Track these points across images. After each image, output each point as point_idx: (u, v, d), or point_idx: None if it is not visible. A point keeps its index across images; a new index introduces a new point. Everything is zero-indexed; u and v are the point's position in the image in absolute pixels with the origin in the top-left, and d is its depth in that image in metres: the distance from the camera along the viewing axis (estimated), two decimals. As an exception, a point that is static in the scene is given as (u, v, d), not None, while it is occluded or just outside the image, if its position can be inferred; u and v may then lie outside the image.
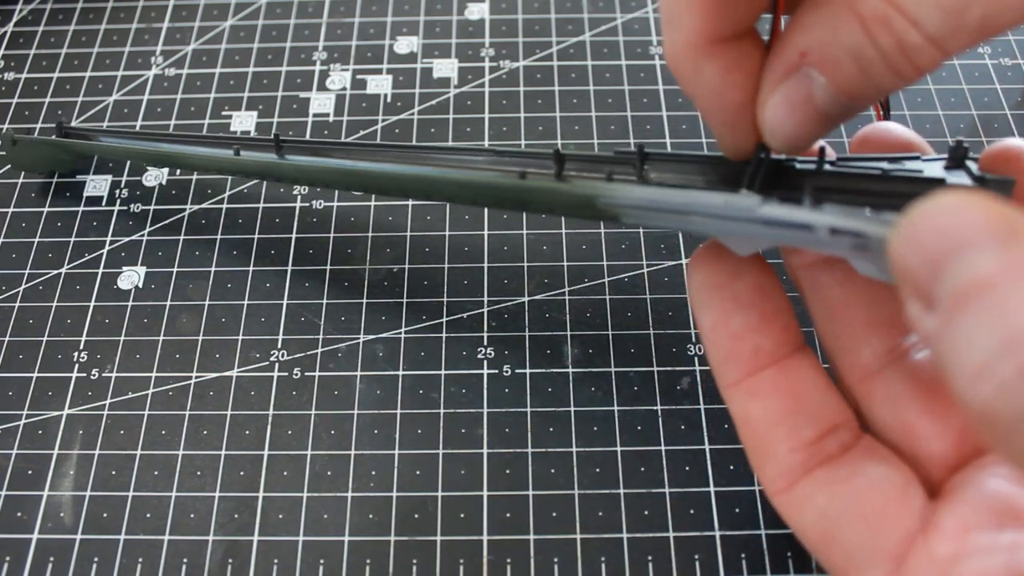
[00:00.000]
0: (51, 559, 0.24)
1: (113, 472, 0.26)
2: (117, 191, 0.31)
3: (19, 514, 0.25)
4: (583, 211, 0.21)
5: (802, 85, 0.17)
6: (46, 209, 0.31)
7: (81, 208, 0.31)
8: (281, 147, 0.26)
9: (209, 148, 0.28)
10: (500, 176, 0.22)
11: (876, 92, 0.17)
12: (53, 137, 0.30)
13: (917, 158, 0.19)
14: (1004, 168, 0.18)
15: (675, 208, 0.19)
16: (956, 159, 0.18)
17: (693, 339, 0.27)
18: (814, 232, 0.17)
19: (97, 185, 0.31)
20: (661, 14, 0.19)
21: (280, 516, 0.25)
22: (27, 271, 0.29)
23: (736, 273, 0.19)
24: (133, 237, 0.30)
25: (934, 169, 0.18)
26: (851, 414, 0.20)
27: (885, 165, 0.18)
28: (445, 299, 0.28)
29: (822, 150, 0.19)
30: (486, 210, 0.30)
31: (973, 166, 0.18)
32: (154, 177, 0.32)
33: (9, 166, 0.32)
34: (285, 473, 0.25)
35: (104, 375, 0.27)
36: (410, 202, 0.30)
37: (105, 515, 0.25)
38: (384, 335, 0.28)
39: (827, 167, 0.19)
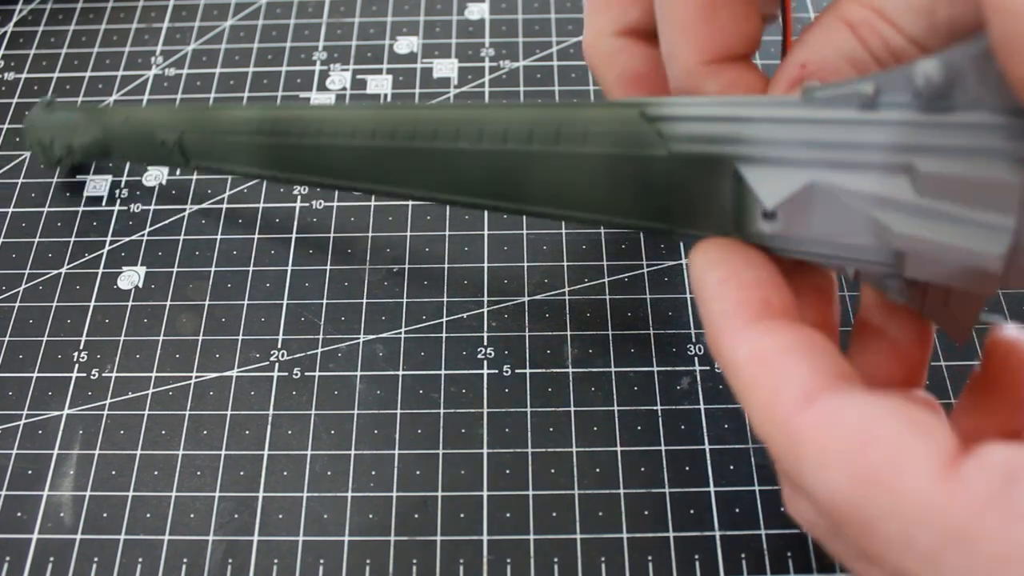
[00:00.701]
0: (51, 559, 0.24)
1: (113, 472, 0.26)
2: (117, 191, 0.31)
3: (19, 514, 0.25)
4: (623, 152, 0.19)
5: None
6: (46, 209, 0.31)
7: (81, 208, 0.31)
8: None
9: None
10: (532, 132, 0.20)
11: None
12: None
13: None
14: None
15: (733, 117, 0.17)
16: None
17: (693, 339, 0.27)
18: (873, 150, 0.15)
19: (97, 185, 0.31)
20: (662, 47, 0.20)
21: (280, 516, 0.25)
22: (27, 271, 0.29)
23: (747, 248, 0.19)
24: (133, 237, 0.30)
25: None
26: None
27: None
28: (445, 299, 0.28)
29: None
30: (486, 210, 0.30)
31: None
32: (154, 177, 0.32)
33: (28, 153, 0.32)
34: (285, 473, 0.25)
35: (104, 375, 0.27)
36: (410, 203, 0.30)
37: (105, 515, 0.25)
38: (384, 335, 0.28)
39: None
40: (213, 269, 0.29)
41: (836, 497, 0.15)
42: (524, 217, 0.30)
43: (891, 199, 0.15)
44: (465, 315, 0.28)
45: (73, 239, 0.30)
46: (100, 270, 0.29)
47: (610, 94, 0.23)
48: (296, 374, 0.27)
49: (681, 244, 0.29)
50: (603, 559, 0.24)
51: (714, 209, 0.19)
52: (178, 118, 0.27)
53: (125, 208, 0.31)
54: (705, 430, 0.26)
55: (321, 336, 0.28)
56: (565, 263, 0.29)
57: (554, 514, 0.24)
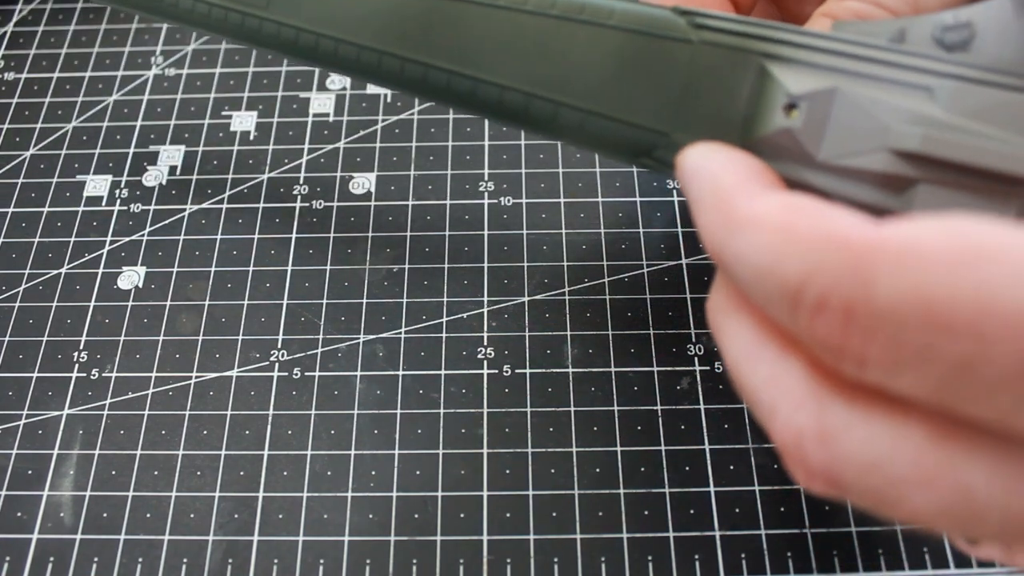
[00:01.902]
0: (51, 559, 0.24)
1: (113, 472, 0.26)
2: (117, 191, 0.31)
3: (19, 514, 0.25)
4: (648, 23, 0.18)
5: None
6: (46, 209, 0.31)
7: (81, 208, 0.31)
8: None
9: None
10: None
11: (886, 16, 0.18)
12: None
13: None
14: None
15: (766, 24, 0.17)
16: None
17: (693, 339, 0.27)
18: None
19: (97, 185, 0.31)
20: None
21: (280, 516, 0.25)
22: (27, 271, 0.29)
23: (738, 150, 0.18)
24: (133, 237, 0.30)
25: None
26: None
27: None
28: (445, 299, 0.28)
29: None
30: (486, 210, 0.30)
31: None
32: (154, 177, 0.32)
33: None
34: (285, 473, 0.25)
35: (104, 375, 0.27)
36: (410, 202, 0.30)
37: (105, 515, 0.25)
38: (384, 335, 0.28)
39: None
40: (213, 269, 0.29)
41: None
42: (524, 216, 0.30)
43: (917, 112, 0.15)
44: (465, 315, 0.28)
45: (73, 239, 0.30)
46: (100, 270, 0.29)
47: None
48: (296, 374, 0.27)
49: (681, 245, 0.29)
50: (603, 559, 0.24)
51: (726, 109, 0.17)
52: None
53: (125, 208, 0.31)
54: (705, 430, 0.26)
55: (321, 336, 0.28)
56: (565, 263, 0.29)
57: (554, 514, 0.24)
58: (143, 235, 0.30)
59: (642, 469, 0.25)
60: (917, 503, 0.13)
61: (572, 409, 0.26)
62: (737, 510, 0.24)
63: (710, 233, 0.15)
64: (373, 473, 0.25)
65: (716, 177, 0.15)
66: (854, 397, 0.14)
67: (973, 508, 0.13)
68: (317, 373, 0.27)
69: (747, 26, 0.17)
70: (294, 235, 0.30)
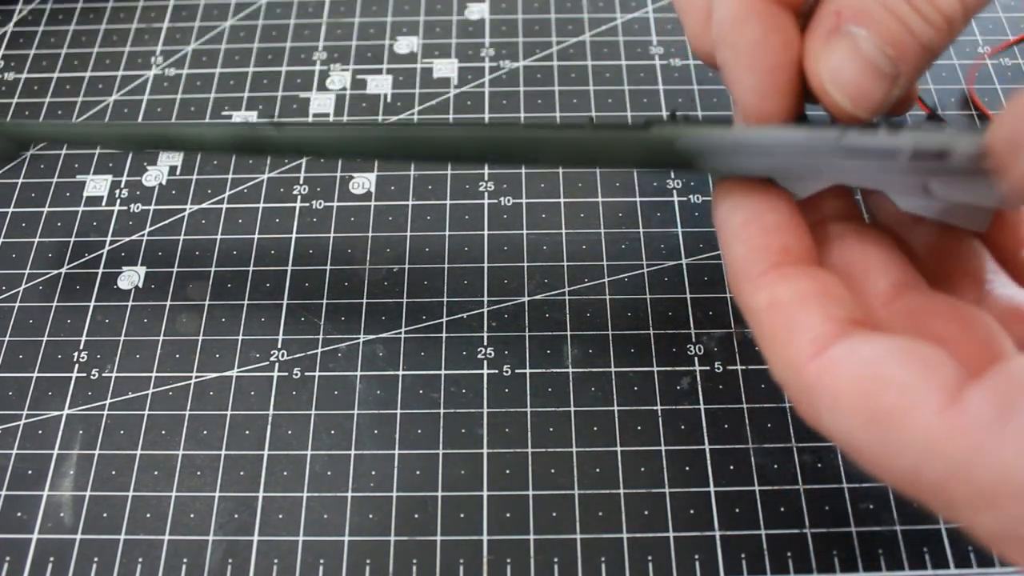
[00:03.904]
0: (51, 559, 0.24)
1: (113, 472, 0.26)
2: (117, 191, 0.31)
3: (19, 514, 0.25)
4: (657, 157, 0.21)
5: (846, 42, 0.18)
6: (46, 209, 0.31)
7: (81, 208, 0.31)
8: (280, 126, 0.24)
9: (201, 127, 0.26)
10: (570, 130, 0.21)
11: (915, 43, 0.18)
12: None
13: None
14: None
15: (757, 145, 0.19)
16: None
17: (693, 339, 0.27)
18: (895, 158, 0.18)
19: (97, 185, 0.31)
20: None
21: (280, 516, 0.25)
22: (27, 271, 0.29)
23: (768, 188, 0.20)
24: (133, 237, 0.30)
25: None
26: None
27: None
28: (445, 299, 0.28)
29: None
30: (486, 210, 0.30)
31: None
32: (154, 177, 0.32)
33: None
34: (285, 473, 0.25)
35: (104, 375, 0.27)
36: (410, 202, 0.30)
37: (105, 515, 0.25)
38: (384, 335, 0.28)
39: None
40: (213, 269, 0.29)
41: (850, 438, 0.16)
42: (524, 216, 0.30)
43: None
44: (465, 315, 0.28)
45: (73, 239, 0.30)
46: (100, 270, 0.29)
47: (739, 73, 0.20)
48: (296, 374, 0.27)
49: (682, 245, 0.29)
50: (603, 559, 0.24)
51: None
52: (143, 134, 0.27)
53: (125, 208, 0.31)
54: (705, 430, 0.26)
55: (321, 336, 0.28)
56: (565, 263, 0.29)
57: (554, 514, 0.24)
58: (143, 235, 0.30)
59: (642, 469, 0.25)
60: None
61: (572, 409, 0.26)
62: (737, 510, 0.24)
63: (731, 285, 0.19)
64: (373, 473, 0.25)
65: (730, 245, 0.19)
66: None
67: None
68: (317, 373, 0.27)
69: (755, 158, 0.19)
70: (294, 235, 0.30)
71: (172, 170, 0.32)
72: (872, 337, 0.16)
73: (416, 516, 0.25)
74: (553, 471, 0.25)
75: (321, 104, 0.33)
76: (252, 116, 0.33)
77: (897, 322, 0.18)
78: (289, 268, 0.29)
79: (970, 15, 0.18)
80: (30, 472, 0.26)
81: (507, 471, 0.25)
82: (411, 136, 0.22)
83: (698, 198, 0.30)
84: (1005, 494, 0.14)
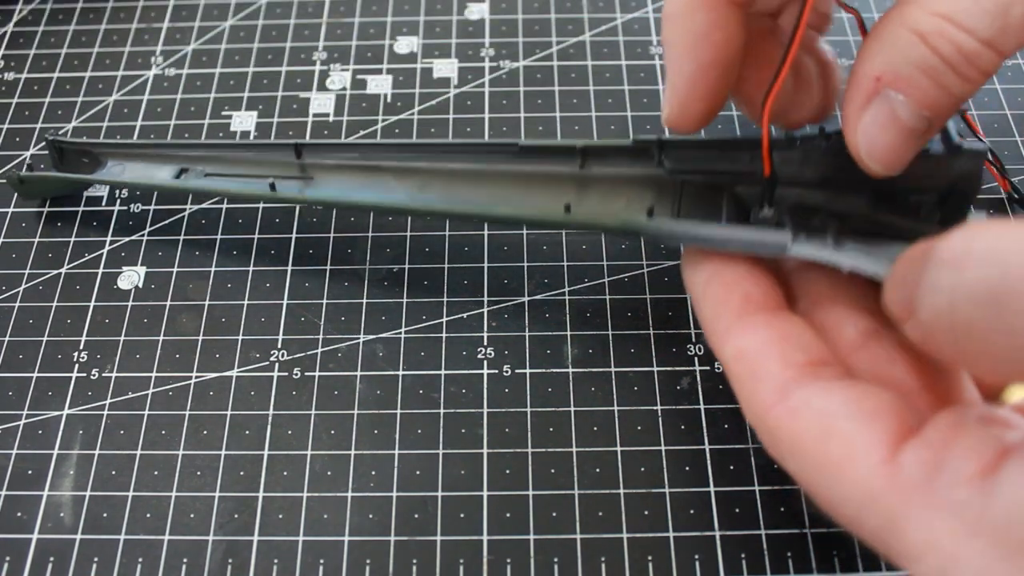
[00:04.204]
0: (51, 559, 0.24)
1: (113, 472, 0.26)
2: (117, 191, 0.31)
3: (19, 514, 0.25)
4: (627, 236, 0.26)
5: (885, 107, 0.19)
6: (46, 209, 0.31)
7: (81, 208, 0.31)
8: (300, 152, 0.28)
9: (238, 182, 0.28)
10: (548, 210, 0.24)
11: (951, 100, 0.19)
12: (55, 173, 0.30)
13: None
14: None
15: (712, 240, 0.22)
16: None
17: (693, 339, 0.27)
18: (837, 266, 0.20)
19: (97, 185, 0.31)
20: None
21: (280, 516, 0.25)
22: (27, 271, 0.29)
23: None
24: (133, 237, 0.30)
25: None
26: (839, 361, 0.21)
27: None
28: (445, 299, 0.28)
29: (821, 129, 0.23)
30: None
31: (952, 127, 0.22)
32: (154, 177, 0.31)
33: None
34: (285, 473, 0.25)
35: (104, 375, 0.27)
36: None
37: (105, 515, 0.25)
38: (384, 335, 0.28)
39: (823, 143, 0.22)
40: (213, 269, 0.29)
41: (807, 482, 0.17)
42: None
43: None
44: (465, 315, 0.28)
45: (73, 239, 0.30)
46: (100, 270, 0.29)
47: (678, 57, 0.22)
48: (296, 374, 0.27)
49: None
50: (603, 559, 0.24)
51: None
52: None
53: (125, 208, 0.31)
54: (705, 430, 0.26)
55: (321, 336, 0.28)
56: (565, 263, 0.29)
57: (554, 514, 0.24)
58: (143, 235, 0.30)
59: (642, 469, 0.25)
60: None
61: (572, 409, 0.26)
62: (737, 510, 0.24)
63: (707, 339, 0.21)
64: (373, 473, 0.25)
65: (698, 301, 0.21)
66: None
67: None
68: (317, 373, 0.27)
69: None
70: (294, 235, 0.30)
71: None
72: (827, 387, 0.18)
73: (416, 516, 0.25)
74: (553, 471, 0.25)
75: (321, 104, 0.33)
76: (252, 116, 0.33)
77: (864, 368, 0.20)
78: (289, 268, 0.29)
79: (1006, 59, 0.18)
80: (30, 472, 0.26)
81: (507, 471, 0.25)
82: (422, 209, 0.27)
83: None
84: (929, 550, 0.15)
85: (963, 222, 0.17)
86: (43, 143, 0.32)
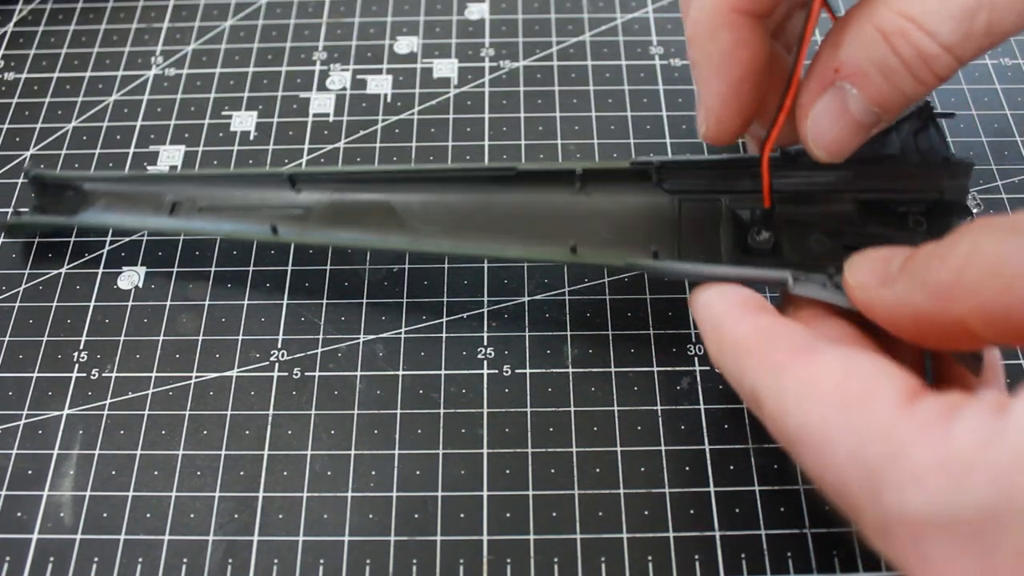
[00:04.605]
0: (51, 559, 0.24)
1: (113, 472, 0.26)
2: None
3: (19, 514, 0.25)
4: (630, 272, 0.27)
5: (837, 98, 0.20)
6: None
7: (81, 208, 0.31)
8: (295, 183, 0.27)
9: (234, 220, 0.27)
10: (554, 253, 0.25)
11: (903, 99, 0.20)
12: (42, 219, 0.29)
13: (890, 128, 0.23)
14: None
15: (715, 277, 0.22)
16: (923, 118, 0.24)
17: (693, 339, 0.27)
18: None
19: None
20: None
21: (280, 516, 0.25)
22: (27, 271, 0.29)
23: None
24: (133, 237, 0.30)
25: (904, 135, 0.24)
26: None
27: (865, 148, 0.22)
28: (445, 299, 0.28)
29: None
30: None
31: (940, 129, 0.23)
32: (154, 177, 0.31)
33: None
34: (285, 473, 0.25)
35: (104, 375, 0.27)
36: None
37: (105, 515, 0.25)
38: (384, 335, 0.28)
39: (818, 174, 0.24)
40: (213, 269, 0.29)
41: (810, 426, 0.17)
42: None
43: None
44: (465, 315, 0.28)
45: (73, 239, 0.30)
46: (100, 270, 0.29)
47: (708, 78, 0.22)
48: (296, 374, 0.27)
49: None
50: (603, 559, 0.24)
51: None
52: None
53: (125, 208, 0.31)
54: (705, 430, 0.26)
55: (321, 336, 0.28)
56: (565, 263, 0.29)
57: (554, 514, 0.24)
58: (143, 235, 0.30)
59: (642, 469, 0.25)
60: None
61: (572, 409, 0.26)
62: (737, 510, 0.24)
63: (707, 345, 0.21)
64: (373, 473, 0.25)
65: (711, 305, 0.21)
66: None
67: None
68: (317, 373, 0.27)
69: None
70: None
71: (172, 170, 0.32)
72: (846, 348, 0.18)
73: (416, 516, 0.25)
74: (553, 471, 0.25)
75: (321, 104, 0.33)
76: (252, 116, 0.33)
77: None
78: (289, 268, 0.29)
79: (963, 65, 0.19)
80: (30, 472, 0.26)
81: (507, 471, 0.25)
82: (427, 251, 0.27)
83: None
84: (938, 471, 0.14)
85: (950, 232, 0.17)
86: (43, 144, 0.32)
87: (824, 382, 0.17)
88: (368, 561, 0.24)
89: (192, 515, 0.25)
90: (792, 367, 0.18)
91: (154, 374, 0.27)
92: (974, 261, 0.16)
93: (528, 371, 0.27)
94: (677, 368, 0.27)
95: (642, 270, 0.24)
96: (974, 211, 0.30)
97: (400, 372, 0.27)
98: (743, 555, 0.24)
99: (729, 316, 0.20)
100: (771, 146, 0.22)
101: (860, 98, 0.20)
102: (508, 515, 0.24)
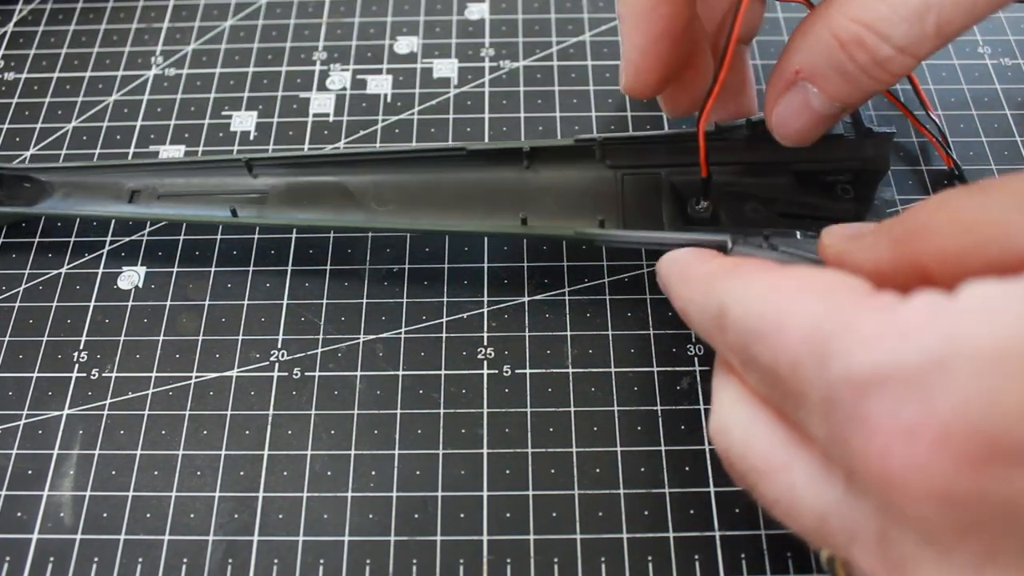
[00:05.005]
0: (51, 559, 0.24)
1: (113, 472, 0.26)
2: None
3: (19, 514, 0.25)
4: (580, 244, 0.28)
5: (800, 95, 0.22)
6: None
7: (81, 208, 0.31)
8: (252, 168, 0.28)
9: (194, 206, 0.28)
10: (506, 225, 0.26)
11: (862, 95, 0.21)
12: None
13: None
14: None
15: (660, 243, 0.24)
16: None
17: (693, 339, 0.27)
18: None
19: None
20: None
21: (280, 516, 0.25)
22: (27, 271, 0.29)
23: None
24: (133, 237, 0.30)
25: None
26: None
27: None
28: (445, 299, 0.28)
29: (749, 120, 0.26)
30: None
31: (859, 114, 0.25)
32: (154, 177, 0.31)
33: None
34: (285, 473, 0.25)
35: (104, 375, 0.27)
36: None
37: (105, 515, 0.25)
38: (384, 335, 0.28)
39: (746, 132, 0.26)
40: (213, 269, 0.29)
41: (766, 319, 0.17)
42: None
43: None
44: (465, 315, 0.28)
45: (73, 239, 0.30)
46: (100, 270, 0.29)
47: (630, 31, 0.23)
48: (296, 374, 0.27)
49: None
50: (603, 559, 0.24)
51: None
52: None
53: (125, 208, 0.31)
54: (705, 430, 0.26)
55: (321, 336, 0.28)
56: (565, 263, 0.29)
57: (554, 514, 0.24)
58: (143, 235, 0.30)
59: (642, 469, 0.25)
60: (761, 490, 0.18)
61: (572, 409, 0.26)
62: (737, 510, 0.24)
63: (673, 291, 0.21)
64: (373, 473, 0.25)
65: (678, 258, 0.22)
66: (752, 400, 0.18)
67: (794, 503, 0.17)
68: (317, 373, 0.27)
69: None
70: (294, 235, 0.30)
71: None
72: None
73: (416, 516, 0.25)
74: (553, 471, 0.25)
75: (321, 104, 0.33)
76: (252, 116, 0.33)
77: None
78: (289, 268, 0.29)
79: (920, 62, 0.20)
80: (30, 472, 0.26)
81: (507, 471, 0.25)
82: (381, 227, 0.27)
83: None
84: (884, 335, 0.14)
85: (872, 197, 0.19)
86: (43, 144, 0.32)
87: (788, 279, 0.17)
88: (368, 561, 0.24)
89: (192, 515, 0.25)
90: (760, 275, 0.18)
91: (154, 374, 0.27)
92: (940, 210, 0.16)
93: (528, 371, 0.27)
94: (677, 368, 0.27)
95: (590, 238, 0.25)
96: None
97: (400, 372, 0.27)
98: (743, 555, 0.24)
99: (697, 258, 0.21)
100: (707, 115, 0.23)
101: (820, 96, 0.21)
102: (508, 515, 0.24)
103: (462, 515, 0.25)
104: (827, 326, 0.15)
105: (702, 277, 0.20)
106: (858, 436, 0.14)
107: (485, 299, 0.28)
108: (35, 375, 0.27)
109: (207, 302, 0.29)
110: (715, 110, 0.25)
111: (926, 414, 0.13)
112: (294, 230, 0.30)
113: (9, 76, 0.35)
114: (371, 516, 0.25)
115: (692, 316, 0.20)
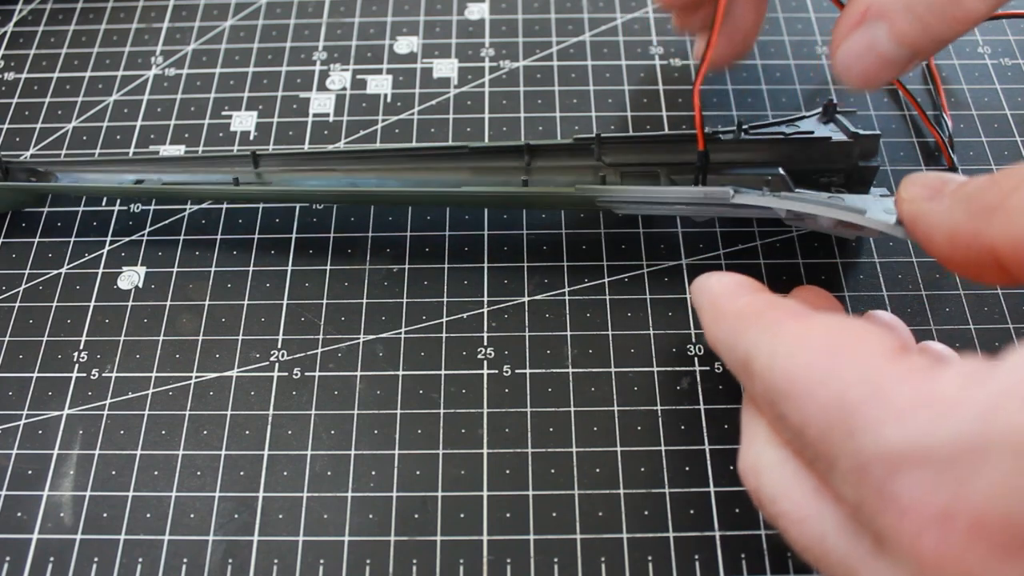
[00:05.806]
0: (51, 559, 0.24)
1: (113, 472, 0.26)
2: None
3: (19, 514, 0.25)
4: (583, 207, 0.28)
5: (866, 36, 0.21)
6: (46, 209, 0.31)
7: (81, 208, 0.31)
8: (257, 161, 0.29)
9: (197, 173, 0.29)
10: (507, 185, 0.27)
11: (931, 41, 0.20)
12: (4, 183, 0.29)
13: (803, 117, 0.27)
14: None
15: (663, 200, 0.25)
16: (829, 114, 0.27)
17: (693, 339, 0.27)
18: (775, 212, 0.24)
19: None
20: None
21: (280, 516, 0.25)
22: (27, 271, 0.29)
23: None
24: (133, 237, 0.30)
25: (813, 124, 0.27)
26: None
27: (785, 129, 0.27)
28: (445, 299, 0.28)
29: (740, 123, 0.27)
30: (486, 210, 0.30)
31: (844, 120, 0.27)
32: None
33: None
34: (285, 473, 0.25)
35: (104, 375, 0.27)
36: (409, 207, 0.30)
37: (105, 515, 0.25)
38: (384, 335, 0.28)
39: (743, 135, 0.26)
40: (213, 269, 0.29)
41: (794, 370, 0.17)
42: (524, 217, 0.30)
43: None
44: (465, 315, 0.28)
45: (73, 239, 0.30)
46: (100, 270, 0.29)
47: None
48: (296, 374, 0.27)
49: (681, 245, 0.29)
50: (603, 559, 0.24)
51: None
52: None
53: (125, 208, 0.31)
54: (705, 430, 0.26)
55: (321, 336, 0.28)
56: (565, 263, 0.29)
57: (554, 514, 0.24)
58: (143, 235, 0.30)
59: (642, 469, 0.25)
60: (792, 535, 0.18)
61: (572, 409, 0.26)
62: (737, 510, 0.24)
63: (704, 320, 0.21)
64: (373, 473, 0.25)
65: (710, 286, 0.21)
66: (783, 446, 0.18)
67: (827, 553, 0.17)
68: (317, 373, 0.27)
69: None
70: (294, 235, 0.30)
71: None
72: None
73: (416, 516, 0.25)
74: (553, 471, 0.25)
75: (321, 104, 0.33)
76: (252, 116, 0.33)
77: None
78: (289, 268, 0.29)
79: (996, 8, 0.19)
80: (30, 472, 0.26)
81: (507, 471, 0.25)
82: (371, 194, 0.28)
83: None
84: (918, 409, 0.14)
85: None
86: (43, 144, 0.32)
87: (816, 335, 0.17)
88: (368, 561, 0.24)
89: (192, 515, 0.25)
90: (787, 323, 0.18)
91: (154, 374, 0.27)
92: (1017, 191, 0.16)
93: (528, 371, 0.27)
94: (677, 368, 0.27)
95: (592, 194, 0.26)
96: None
97: (400, 372, 0.27)
98: (743, 555, 0.24)
99: (728, 292, 0.21)
100: (705, 68, 0.25)
101: (888, 37, 0.21)
102: (508, 515, 0.24)
103: (462, 515, 0.25)
104: (857, 393, 0.15)
105: (731, 316, 0.20)
106: (890, 512, 0.14)
107: (485, 299, 0.28)
108: (35, 375, 0.27)
109: (207, 302, 0.29)
110: (720, 43, 0.26)
111: (960, 500, 0.13)
112: (294, 231, 0.30)
113: (9, 76, 0.35)
114: (371, 516, 0.25)
115: (720, 352, 0.20)
